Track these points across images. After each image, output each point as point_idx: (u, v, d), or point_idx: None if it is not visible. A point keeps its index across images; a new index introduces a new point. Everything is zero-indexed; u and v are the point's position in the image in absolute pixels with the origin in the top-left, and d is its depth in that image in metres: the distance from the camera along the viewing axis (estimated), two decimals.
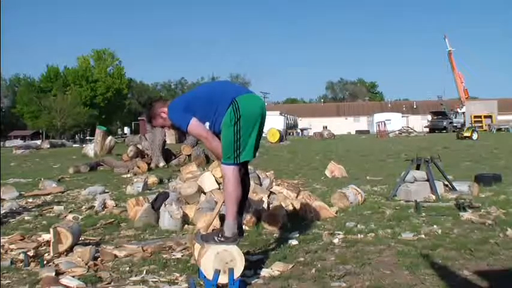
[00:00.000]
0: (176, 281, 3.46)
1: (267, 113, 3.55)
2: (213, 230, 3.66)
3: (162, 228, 5.08)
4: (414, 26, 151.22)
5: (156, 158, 13.16)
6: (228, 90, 3.35)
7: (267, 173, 6.79)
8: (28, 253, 4.05)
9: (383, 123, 42.27)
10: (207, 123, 3.32)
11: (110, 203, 6.64)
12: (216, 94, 3.34)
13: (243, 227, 4.83)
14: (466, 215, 5.21)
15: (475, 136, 27.55)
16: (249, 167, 6.48)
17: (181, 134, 37.20)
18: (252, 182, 5.80)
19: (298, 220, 5.22)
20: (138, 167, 11.98)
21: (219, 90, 3.39)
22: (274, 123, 43.61)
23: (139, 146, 13.94)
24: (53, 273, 3.53)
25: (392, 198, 6.45)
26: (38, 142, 33.54)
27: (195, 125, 3.28)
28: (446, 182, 6.90)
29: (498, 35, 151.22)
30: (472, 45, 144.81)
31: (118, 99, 69.86)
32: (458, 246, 4.03)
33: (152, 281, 3.45)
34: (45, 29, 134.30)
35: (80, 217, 5.90)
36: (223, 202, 3.47)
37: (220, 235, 3.24)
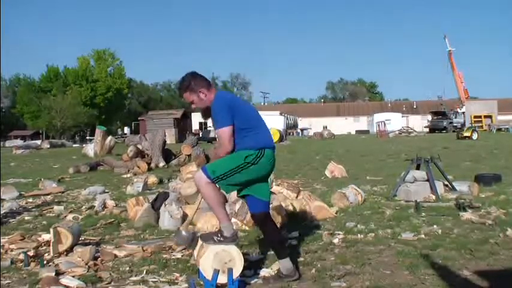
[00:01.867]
0: (176, 281, 3.46)
1: (268, 113, 3.55)
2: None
3: (162, 228, 5.08)
4: (414, 26, 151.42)
5: (156, 158, 13.17)
6: (265, 135, 3.36)
7: None
8: (28, 253, 4.05)
9: (383, 123, 42.26)
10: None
11: (110, 203, 6.64)
12: (258, 127, 3.32)
13: (243, 227, 4.86)
14: (466, 215, 5.20)
15: (475, 136, 27.55)
16: None
17: (182, 134, 37.15)
18: None
19: (298, 220, 5.22)
20: (138, 167, 11.98)
21: (261, 126, 3.38)
22: (274, 123, 43.64)
23: (139, 146, 13.94)
24: (53, 273, 3.54)
25: (393, 198, 6.45)
26: (38, 142, 33.56)
27: (228, 132, 3.20)
28: (446, 182, 6.90)
29: (498, 35, 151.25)
30: (472, 45, 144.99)
31: (118, 99, 69.85)
32: (458, 246, 4.03)
33: (152, 281, 3.45)
34: (45, 29, 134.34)
35: (80, 217, 5.90)
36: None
37: (219, 235, 3.24)
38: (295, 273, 3.38)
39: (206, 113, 3.43)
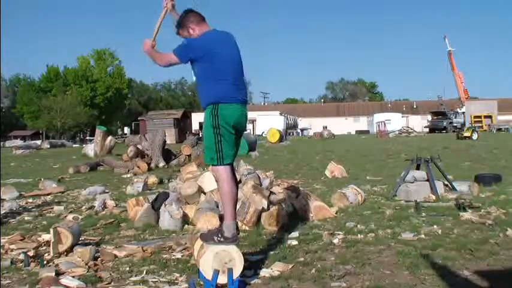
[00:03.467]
0: (176, 281, 3.46)
1: (268, 113, 3.56)
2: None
3: (162, 228, 5.08)
4: (414, 26, 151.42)
5: (156, 158, 13.16)
6: (224, 87, 3.28)
7: (267, 173, 6.80)
8: (28, 253, 4.05)
9: (383, 123, 42.27)
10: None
11: (110, 203, 6.64)
12: (221, 77, 3.28)
13: (243, 227, 4.86)
14: (466, 215, 5.20)
15: (475, 136, 27.54)
16: (249, 167, 6.52)
17: (182, 134, 37.20)
18: (252, 182, 5.81)
19: (298, 220, 5.22)
20: (138, 167, 11.98)
21: (227, 78, 3.30)
22: (274, 123, 43.62)
23: (139, 146, 13.93)
24: (53, 273, 3.53)
25: (393, 198, 6.45)
26: (38, 142, 33.53)
27: (173, 59, 3.34)
28: (446, 182, 6.89)
29: (498, 35, 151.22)
30: (472, 45, 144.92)
31: (118, 99, 69.82)
32: (458, 246, 4.03)
33: (152, 281, 3.45)
34: (45, 29, 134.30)
35: (80, 217, 5.90)
36: (164, 15, 3.56)
37: (219, 235, 3.24)
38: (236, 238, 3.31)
39: None
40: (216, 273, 3.10)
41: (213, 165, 3.31)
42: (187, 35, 3.44)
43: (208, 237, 3.28)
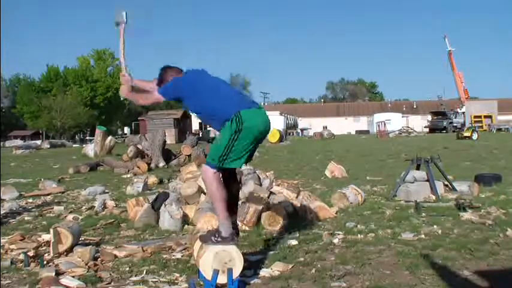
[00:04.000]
0: (176, 281, 3.46)
1: (268, 113, 3.55)
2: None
3: (162, 228, 5.08)
4: (414, 26, 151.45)
5: (156, 158, 13.16)
6: (237, 99, 3.37)
7: (267, 173, 6.80)
8: (28, 253, 4.05)
9: (383, 123, 42.21)
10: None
11: (110, 203, 6.64)
12: (226, 96, 3.36)
13: (243, 227, 4.86)
14: (466, 215, 5.20)
15: (475, 136, 27.52)
16: (249, 167, 6.51)
17: (182, 134, 37.21)
18: (252, 182, 5.81)
19: (298, 220, 5.23)
20: (138, 167, 11.98)
21: (231, 93, 3.43)
22: (274, 123, 43.45)
23: (139, 146, 13.93)
24: (53, 273, 3.54)
25: (393, 198, 6.45)
26: (38, 142, 33.53)
27: (158, 99, 3.51)
28: (446, 182, 6.90)
29: (498, 35, 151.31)
30: (472, 45, 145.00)
31: (118, 99, 69.71)
32: (458, 246, 4.03)
33: (152, 281, 3.45)
34: (45, 29, 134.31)
35: (80, 217, 5.90)
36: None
37: (217, 235, 3.24)
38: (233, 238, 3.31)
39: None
40: (216, 273, 3.10)
41: (207, 164, 3.29)
42: None
43: (207, 238, 3.29)
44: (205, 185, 3.39)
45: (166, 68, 3.66)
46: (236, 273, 3.13)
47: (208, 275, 3.12)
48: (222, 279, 3.12)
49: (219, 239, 3.22)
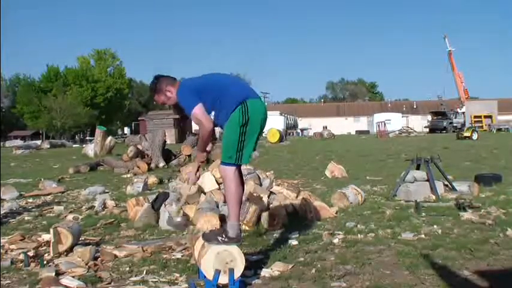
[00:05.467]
0: (176, 281, 3.46)
1: (268, 113, 3.56)
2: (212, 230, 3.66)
3: (162, 228, 5.08)
4: (414, 26, 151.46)
5: (156, 158, 13.16)
6: (238, 89, 3.37)
7: (267, 173, 6.79)
8: (28, 253, 4.05)
9: (383, 123, 42.24)
10: (212, 113, 3.34)
11: (110, 203, 6.64)
12: (226, 87, 3.35)
13: (243, 227, 4.86)
14: (466, 215, 5.20)
15: (475, 136, 27.53)
16: (249, 167, 6.51)
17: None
18: (252, 182, 5.81)
19: (298, 220, 5.22)
20: (138, 167, 11.98)
21: (230, 84, 3.40)
22: (274, 123, 43.58)
23: (139, 146, 13.93)
24: (53, 273, 3.54)
25: (393, 198, 6.45)
26: (38, 142, 33.53)
27: (200, 110, 3.24)
28: (446, 182, 6.89)
29: (498, 35, 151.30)
30: (472, 45, 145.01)
31: (118, 100, 69.80)
32: (458, 246, 4.03)
33: (152, 281, 3.45)
34: (45, 29, 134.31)
35: (80, 217, 5.90)
36: None
37: (224, 235, 3.23)
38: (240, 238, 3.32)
39: (178, 109, 3.49)
40: (218, 273, 3.10)
41: (224, 163, 3.29)
42: (165, 98, 3.47)
43: (212, 237, 3.26)
44: (225, 185, 3.35)
45: (159, 77, 3.49)
46: (237, 273, 3.12)
47: (209, 275, 3.12)
48: (222, 279, 3.11)
49: (226, 239, 3.21)
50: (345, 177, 9.31)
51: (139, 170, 11.75)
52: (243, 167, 6.58)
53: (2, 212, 6.17)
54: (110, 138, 19.46)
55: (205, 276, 3.16)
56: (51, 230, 4.18)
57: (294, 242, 4.37)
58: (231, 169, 3.27)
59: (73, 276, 3.51)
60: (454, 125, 49.26)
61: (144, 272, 3.64)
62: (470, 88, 62.82)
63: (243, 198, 5.08)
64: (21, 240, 4.64)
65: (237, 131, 3.23)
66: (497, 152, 15.51)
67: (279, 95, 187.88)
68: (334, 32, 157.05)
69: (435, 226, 4.80)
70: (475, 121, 49.17)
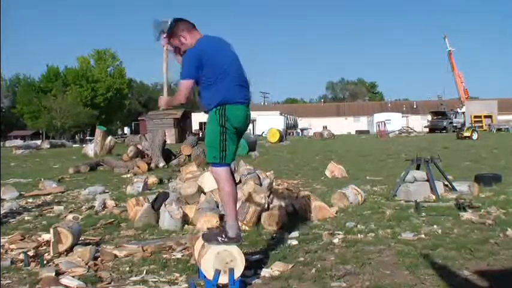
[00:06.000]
0: (176, 281, 3.46)
1: (268, 113, 3.57)
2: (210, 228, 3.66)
3: (162, 228, 5.08)
4: (414, 26, 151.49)
5: (156, 158, 13.16)
6: (230, 87, 3.29)
7: (267, 173, 6.79)
8: (28, 253, 4.05)
9: (383, 123, 42.23)
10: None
11: (110, 203, 6.64)
12: (224, 76, 3.28)
13: (243, 227, 4.86)
14: (466, 215, 5.20)
15: (475, 136, 27.53)
16: (249, 167, 6.51)
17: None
18: (251, 182, 5.81)
19: (298, 220, 5.22)
20: (138, 167, 11.98)
21: (230, 78, 3.31)
22: (274, 123, 43.61)
23: (139, 146, 13.93)
24: (53, 273, 3.54)
25: (393, 198, 6.44)
26: (38, 142, 33.54)
27: (187, 86, 3.26)
28: (446, 182, 6.89)
29: (498, 35, 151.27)
30: (472, 45, 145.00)
31: (118, 99, 69.78)
32: (458, 246, 4.03)
33: (152, 281, 3.45)
34: (45, 29, 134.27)
35: (80, 217, 5.90)
36: None
37: (223, 236, 3.23)
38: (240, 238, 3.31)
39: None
40: (218, 273, 3.10)
41: (213, 164, 3.30)
42: (179, 43, 3.43)
43: (212, 237, 3.27)
44: (219, 186, 3.33)
45: (178, 20, 3.39)
46: (238, 273, 3.12)
47: (209, 275, 3.12)
48: (222, 279, 3.11)
49: (226, 239, 3.21)
50: (345, 177, 9.31)
51: (139, 170, 11.75)
52: (243, 167, 6.61)
53: (2, 212, 6.17)
54: (109, 138, 19.46)
55: (205, 276, 3.16)
56: (51, 230, 4.18)
57: (294, 242, 4.37)
58: (222, 169, 3.27)
59: (73, 276, 3.51)
60: (454, 125, 49.29)
61: (144, 272, 3.64)
62: (470, 88, 62.90)
63: (242, 199, 5.10)
64: (21, 240, 4.64)
65: (216, 130, 3.24)
66: (497, 152, 15.51)
67: (279, 95, 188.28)
68: (334, 32, 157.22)
69: (435, 226, 4.80)
70: (475, 121, 49.18)
